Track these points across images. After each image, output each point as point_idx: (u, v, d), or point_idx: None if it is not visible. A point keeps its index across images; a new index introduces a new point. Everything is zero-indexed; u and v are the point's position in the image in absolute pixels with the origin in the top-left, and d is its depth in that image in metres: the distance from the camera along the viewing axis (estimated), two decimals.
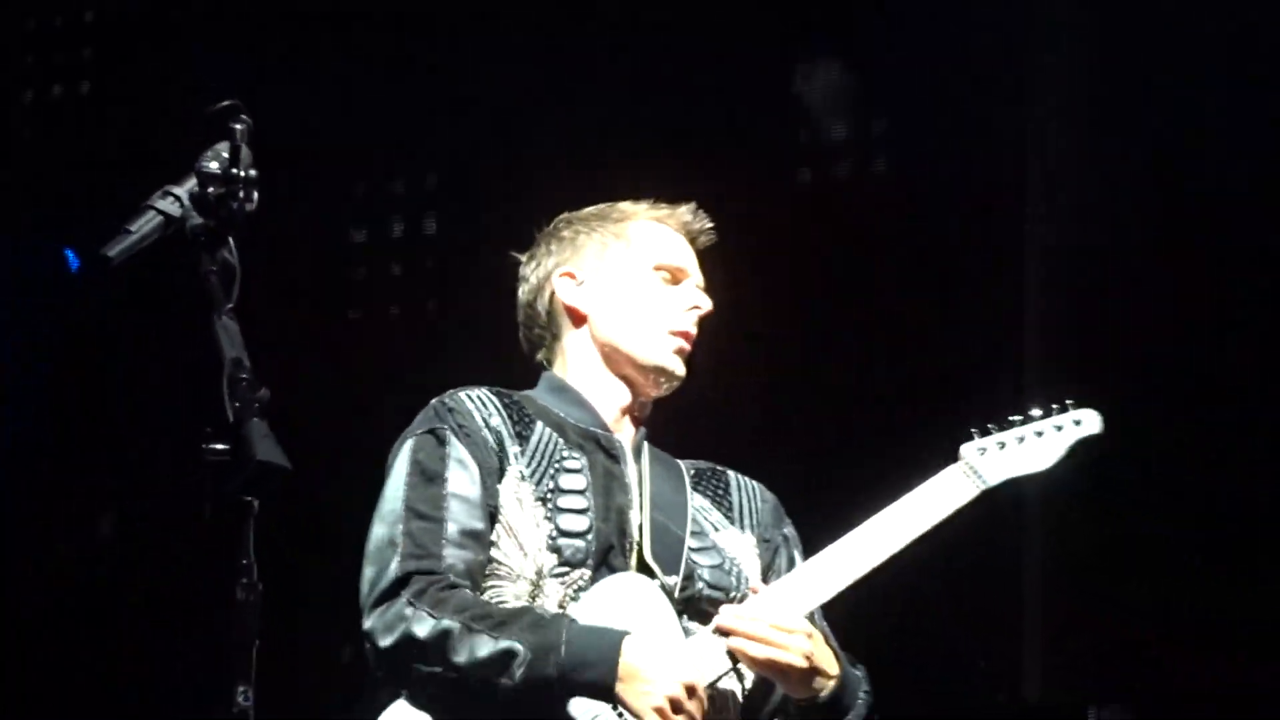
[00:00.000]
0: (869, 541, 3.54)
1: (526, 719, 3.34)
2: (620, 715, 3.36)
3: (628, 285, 3.72)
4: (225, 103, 2.76)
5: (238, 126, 2.74)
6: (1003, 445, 3.67)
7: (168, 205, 2.73)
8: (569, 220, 3.82)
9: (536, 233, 3.83)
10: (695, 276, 3.75)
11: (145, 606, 4.64)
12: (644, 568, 3.54)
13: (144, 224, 2.72)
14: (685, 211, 3.80)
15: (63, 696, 4.59)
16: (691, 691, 3.34)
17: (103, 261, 2.70)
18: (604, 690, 3.32)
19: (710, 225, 3.82)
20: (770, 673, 3.47)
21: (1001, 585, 5.66)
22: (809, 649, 3.44)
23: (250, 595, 2.50)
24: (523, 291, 3.80)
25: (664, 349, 3.68)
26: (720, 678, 3.45)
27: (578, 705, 3.36)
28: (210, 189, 2.72)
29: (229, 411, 2.54)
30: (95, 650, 4.63)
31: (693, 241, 3.80)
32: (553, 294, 3.75)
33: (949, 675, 5.61)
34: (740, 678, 3.54)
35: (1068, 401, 3.75)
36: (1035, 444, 3.69)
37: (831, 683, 3.48)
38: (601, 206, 3.82)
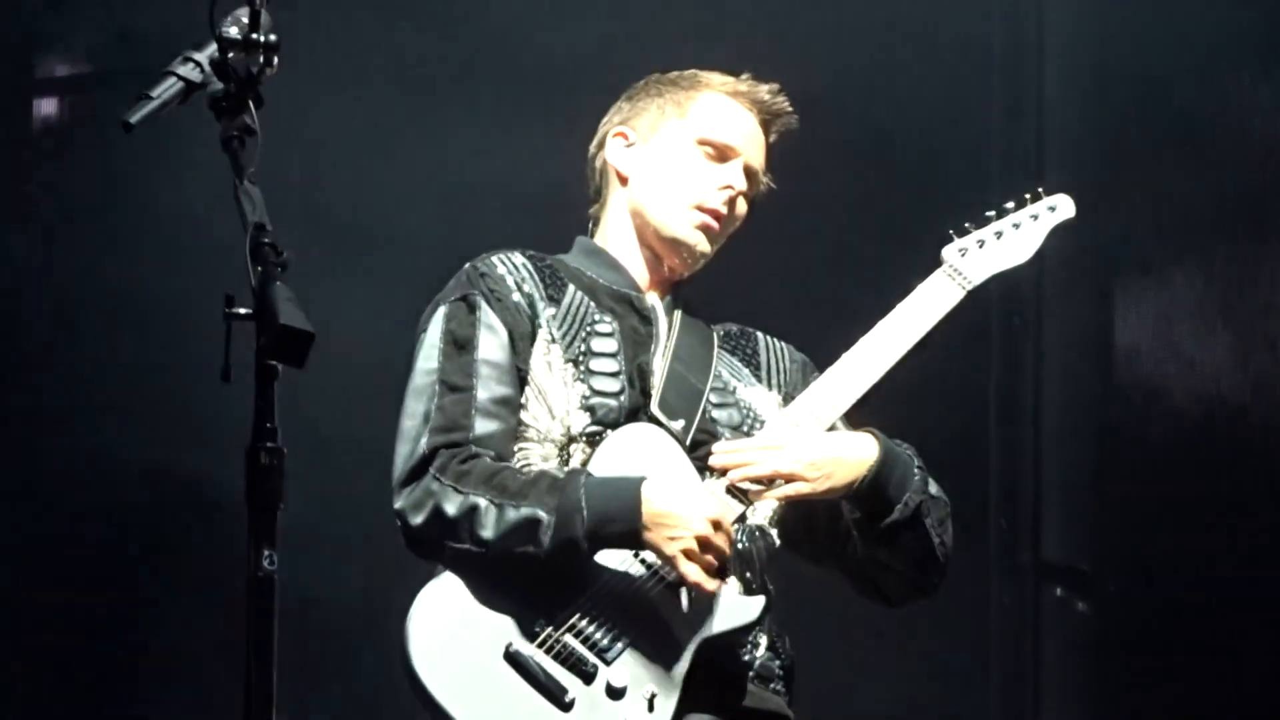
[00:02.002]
0: (866, 359, 3.55)
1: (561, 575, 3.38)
2: (641, 560, 3.40)
3: (667, 154, 3.71)
4: None
5: None
6: (982, 243, 3.70)
7: (188, 71, 2.75)
8: (649, 80, 3.81)
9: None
10: (747, 156, 3.71)
11: (165, 474, 4.67)
12: (653, 417, 3.56)
13: (164, 90, 2.74)
14: (764, 91, 3.75)
15: (80, 564, 4.62)
16: (718, 526, 3.36)
17: (124, 126, 2.71)
18: (633, 539, 3.35)
19: (788, 109, 3.76)
20: (779, 491, 3.47)
21: (1018, 452, 5.68)
22: (802, 452, 3.44)
23: (274, 460, 2.52)
24: (592, 142, 3.82)
25: (685, 222, 3.67)
26: (742, 515, 3.47)
27: (606, 555, 3.40)
28: (230, 54, 2.73)
29: (252, 276, 2.55)
30: (115, 519, 4.66)
31: (767, 124, 3.75)
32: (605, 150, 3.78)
33: (973, 536, 5.63)
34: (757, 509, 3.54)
35: (1039, 189, 3.78)
36: (1014, 236, 3.73)
37: (866, 467, 3.47)
38: (690, 71, 3.78)
